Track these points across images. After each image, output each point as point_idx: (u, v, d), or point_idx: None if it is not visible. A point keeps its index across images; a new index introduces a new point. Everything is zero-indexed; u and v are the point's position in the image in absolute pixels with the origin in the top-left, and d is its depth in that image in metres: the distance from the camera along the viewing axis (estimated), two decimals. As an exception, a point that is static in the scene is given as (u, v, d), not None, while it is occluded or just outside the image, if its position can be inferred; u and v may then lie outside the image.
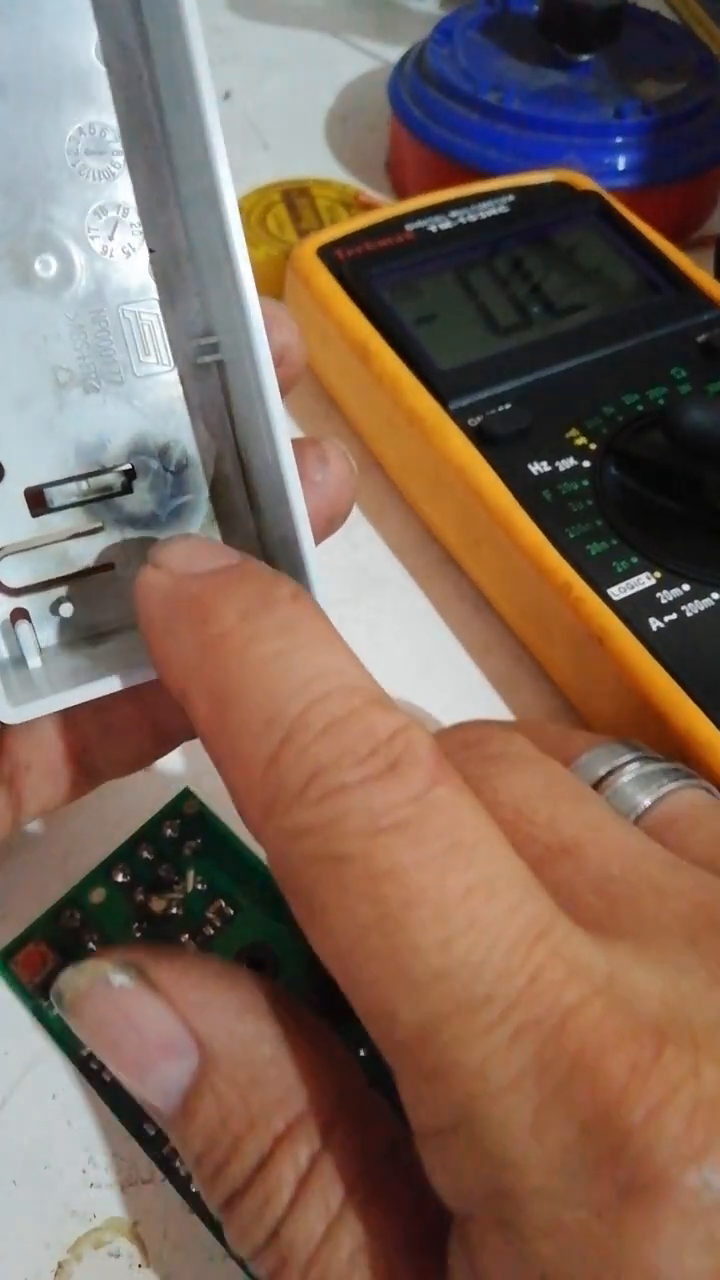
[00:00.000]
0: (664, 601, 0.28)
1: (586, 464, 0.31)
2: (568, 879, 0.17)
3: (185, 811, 0.26)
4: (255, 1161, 0.17)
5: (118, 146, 0.19)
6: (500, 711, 0.31)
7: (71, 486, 0.20)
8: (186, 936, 0.24)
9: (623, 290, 0.37)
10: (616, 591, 0.28)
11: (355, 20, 0.58)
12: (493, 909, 0.14)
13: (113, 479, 0.20)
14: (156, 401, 0.20)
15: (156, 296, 0.20)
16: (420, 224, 0.38)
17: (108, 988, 0.17)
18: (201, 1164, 0.17)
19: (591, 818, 0.18)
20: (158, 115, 0.19)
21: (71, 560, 0.20)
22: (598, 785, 0.21)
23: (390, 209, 0.39)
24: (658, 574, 0.28)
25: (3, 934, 0.24)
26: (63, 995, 0.18)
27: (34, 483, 0.19)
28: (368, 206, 0.44)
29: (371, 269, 0.36)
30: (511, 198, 0.39)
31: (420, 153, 0.45)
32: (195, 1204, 0.21)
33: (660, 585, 0.28)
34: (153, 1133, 0.22)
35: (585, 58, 0.45)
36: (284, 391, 0.19)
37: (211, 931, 0.24)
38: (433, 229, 0.38)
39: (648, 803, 0.21)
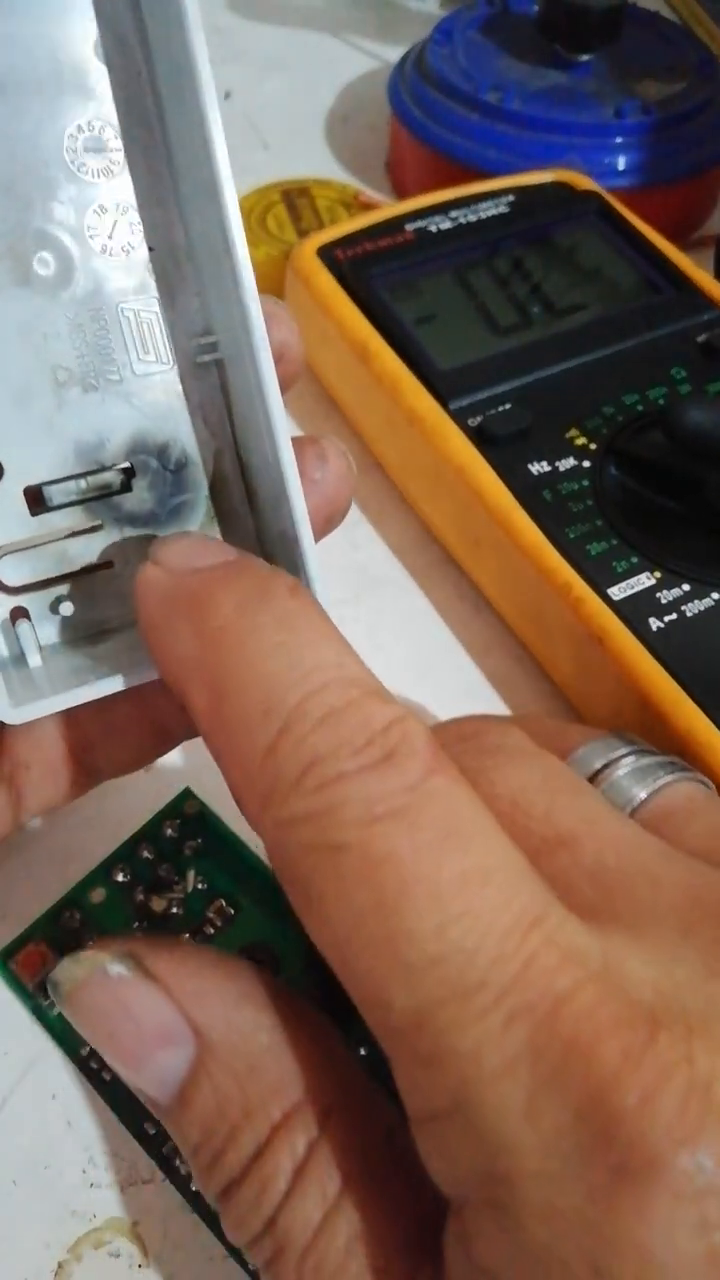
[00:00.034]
0: (664, 601, 0.28)
1: (586, 464, 0.31)
2: (564, 870, 0.17)
3: (186, 811, 0.26)
4: (252, 1150, 0.17)
5: (117, 144, 0.19)
6: (500, 711, 0.30)
7: (71, 485, 0.20)
8: (187, 936, 0.24)
9: (623, 290, 0.37)
10: (616, 591, 0.28)
11: (355, 20, 0.58)
12: (487, 896, 0.14)
13: (112, 477, 0.20)
14: (156, 400, 0.20)
15: (156, 295, 0.20)
16: (420, 224, 0.38)
17: (105, 978, 0.17)
18: (198, 1154, 0.17)
19: (588, 810, 0.18)
20: (157, 112, 0.19)
21: (71, 559, 0.20)
22: (594, 778, 0.22)
23: (390, 209, 0.39)
24: (658, 574, 0.28)
25: (3, 934, 0.24)
26: (60, 986, 0.18)
27: (33, 481, 0.19)
28: (368, 206, 0.44)
29: (371, 269, 0.36)
30: (511, 198, 0.39)
31: (420, 153, 0.45)
32: (195, 1204, 0.21)
33: (660, 585, 0.28)
34: (153, 1132, 0.22)
35: (585, 58, 0.45)
36: (283, 389, 0.19)
37: (212, 931, 0.24)
38: (433, 229, 0.38)
39: (644, 795, 0.21)
